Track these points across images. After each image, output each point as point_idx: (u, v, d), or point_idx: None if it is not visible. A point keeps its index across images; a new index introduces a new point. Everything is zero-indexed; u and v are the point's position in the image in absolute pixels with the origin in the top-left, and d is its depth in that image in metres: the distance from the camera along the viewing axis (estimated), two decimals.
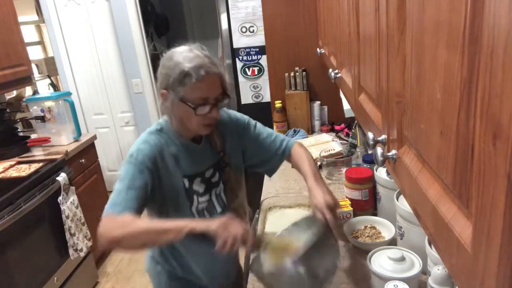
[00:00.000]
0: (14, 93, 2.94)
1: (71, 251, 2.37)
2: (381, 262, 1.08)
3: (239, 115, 1.32)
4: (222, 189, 1.23)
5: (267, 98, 2.84)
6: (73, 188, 2.47)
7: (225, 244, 0.94)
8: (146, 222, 1.07)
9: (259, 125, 1.33)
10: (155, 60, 3.86)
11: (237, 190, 1.28)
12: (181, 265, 1.27)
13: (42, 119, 2.64)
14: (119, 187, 1.06)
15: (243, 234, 0.96)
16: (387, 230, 1.34)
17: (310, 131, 2.50)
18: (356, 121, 2.00)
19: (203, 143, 1.22)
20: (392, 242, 1.26)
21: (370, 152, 1.65)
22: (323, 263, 1.06)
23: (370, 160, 1.56)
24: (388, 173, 1.37)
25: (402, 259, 1.06)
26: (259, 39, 2.76)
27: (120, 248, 1.05)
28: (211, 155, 1.23)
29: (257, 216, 1.43)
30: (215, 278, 1.32)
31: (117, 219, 1.01)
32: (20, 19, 2.63)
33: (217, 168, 1.22)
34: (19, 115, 2.94)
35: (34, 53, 3.83)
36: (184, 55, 1.06)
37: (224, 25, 2.83)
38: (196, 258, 1.26)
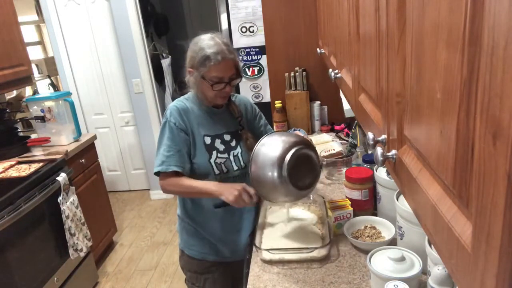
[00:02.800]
0: (14, 93, 2.94)
1: (71, 251, 2.37)
2: (381, 262, 1.08)
3: (253, 104, 1.65)
4: (240, 152, 1.48)
5: (267, 98, 2.83)
6: (73, 188, 2.47)
7: (238, 205, 1.29)
8: (190, 182, 1.37)
9: (263, 116, 1.67)
10: (155, 60, 3.87)
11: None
12: (199, 221, 1.52)
13: (42, 119, 2.64)
14: (163, 149, 1.37)
15: (249, 203, 1.30)
16: (387, 230, 1.34)
17: (310, 131, 2.50)
18: (356, 121, 2.00)
19: (223, 109, 1.50)
20: (392, 242, 1.26)
21: (370, 152, 1.65)
22: (306, 178, 1.29)
23: (370, 160, 1.56)
24: (388, 173, 1.37)
25: (402, 259, 1.06)
26: (259, 39, 2.76)
27: (175, 195, 1.49)
28: (230, 122, 1.50)
29: None
30: (227, 232, 1.53)
31: (170, 180, 1.37)
32: (20, 19, 2.63)
33: (234, 135, 1.49)
34: (19, 115, 2.95)
35: (34, 53, 3.83)
36: (206, 42, 1.34)
37: (224, 25, 2.84)
38: (213, 214, 1.50)
